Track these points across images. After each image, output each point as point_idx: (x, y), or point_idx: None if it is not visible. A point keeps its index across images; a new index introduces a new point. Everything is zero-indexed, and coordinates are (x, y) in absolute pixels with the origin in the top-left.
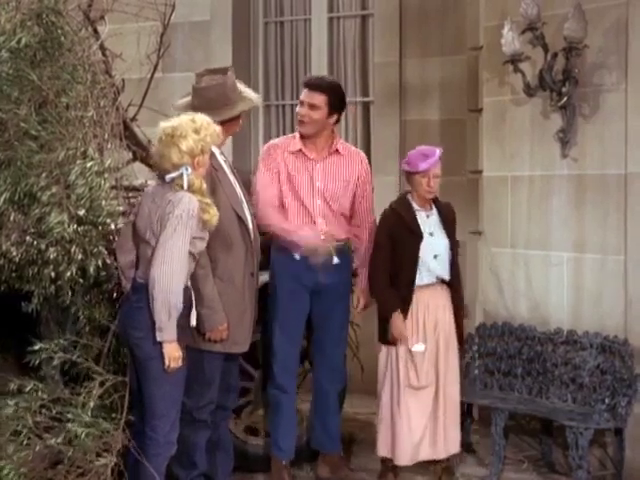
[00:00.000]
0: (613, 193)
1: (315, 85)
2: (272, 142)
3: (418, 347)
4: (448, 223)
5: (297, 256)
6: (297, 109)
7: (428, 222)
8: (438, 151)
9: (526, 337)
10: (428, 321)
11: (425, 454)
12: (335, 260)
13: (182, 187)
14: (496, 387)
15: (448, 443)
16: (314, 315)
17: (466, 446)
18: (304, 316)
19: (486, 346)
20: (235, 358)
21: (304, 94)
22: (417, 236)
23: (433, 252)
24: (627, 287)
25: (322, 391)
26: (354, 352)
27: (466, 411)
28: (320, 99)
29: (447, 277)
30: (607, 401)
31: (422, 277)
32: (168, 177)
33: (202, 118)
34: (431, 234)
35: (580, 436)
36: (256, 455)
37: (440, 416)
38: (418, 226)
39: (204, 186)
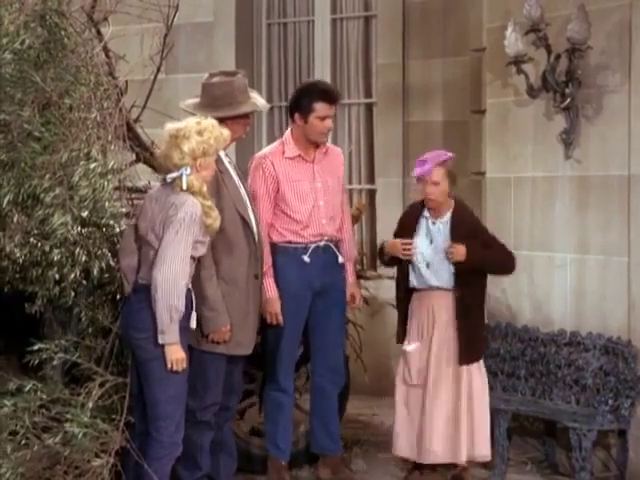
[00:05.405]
0: (616, 194)
1: (338, 98)
2: (262, 154)
3: (408, 347)
4: (456, 233)
5: (307, 258)
6: (322, 124)
7: (433, 229)
8: (435, 158)
9: (529, 338)
10: (422, 323)
11: (430, 455)
12: (340, 259)
13: (181, 188)
14: (499, 388)
15: (450, 448)
16: (314, 316)
17: None
18: (305, 318)
19: (489, 347)
20: (239, 360)
21: (330, 109)
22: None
23: (425, 260)
24: (630, 288)
25: (324, 392)
26: (357, 354)
27: None
28: None
29: (442, 285)
30: (610, 402)
31: (418, 281)
32: (169, 177)
33: (208, 121)
34: (431, 242)
35: (583, 438)
36: (259, 456)
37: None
38: (408, 230)
39: (204, 188)
